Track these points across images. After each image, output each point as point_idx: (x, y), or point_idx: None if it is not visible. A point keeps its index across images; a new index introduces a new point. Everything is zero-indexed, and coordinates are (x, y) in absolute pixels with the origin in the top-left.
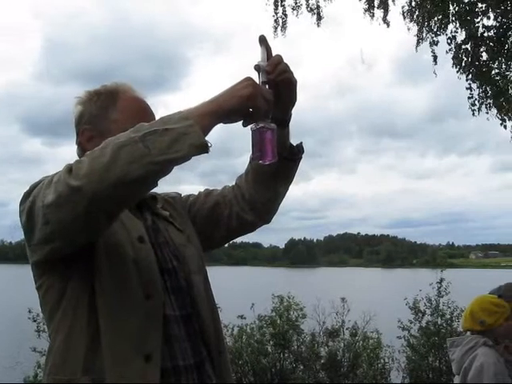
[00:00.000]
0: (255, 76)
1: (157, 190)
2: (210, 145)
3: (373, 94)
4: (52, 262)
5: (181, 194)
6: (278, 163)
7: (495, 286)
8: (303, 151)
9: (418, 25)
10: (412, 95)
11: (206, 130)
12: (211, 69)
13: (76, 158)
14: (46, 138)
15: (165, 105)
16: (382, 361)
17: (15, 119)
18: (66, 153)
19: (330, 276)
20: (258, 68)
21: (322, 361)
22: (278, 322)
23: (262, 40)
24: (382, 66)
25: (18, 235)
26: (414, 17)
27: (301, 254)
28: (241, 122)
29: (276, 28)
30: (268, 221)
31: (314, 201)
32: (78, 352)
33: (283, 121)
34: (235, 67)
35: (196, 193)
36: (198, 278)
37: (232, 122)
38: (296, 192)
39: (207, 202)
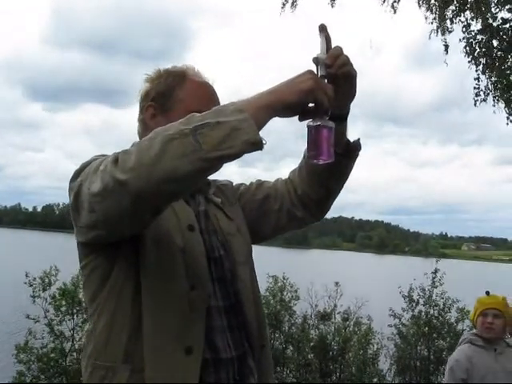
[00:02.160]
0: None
1: None
2: (264, 142)
3: (379, 80)
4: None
5: (232, 183)
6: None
7: (487, 279)
8: (360, 148)
9: (432, 12)
10: (418, 83)
11: (261, 125)
12: (215, 43)
13: (135, 132)
14: (47, 104)
15: None
16: (372, 346)
17: (19, 83)
18: (66, 119)
19: (322, 258)
20: (316, 61)
21: (312, 343)
22: (272, 302)
23: (322, 29)
24: (390, 53)
25: (15, 199)
26: (430, 5)
27: (294, 234)
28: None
29: (284, 5)
30: (318, 219)
31: None
32: (119, 339)
33: (341, 115)
34: (240, 42)
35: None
36: (244, 269)
37: (288, 117)
38: None
39: (258, 193)
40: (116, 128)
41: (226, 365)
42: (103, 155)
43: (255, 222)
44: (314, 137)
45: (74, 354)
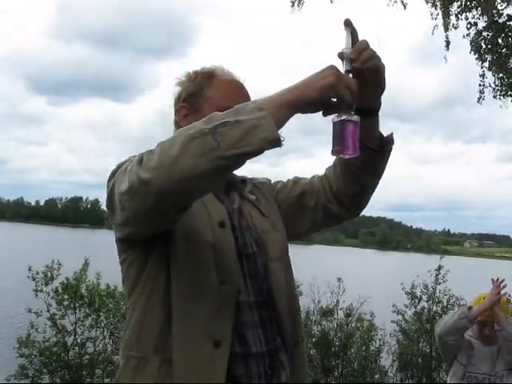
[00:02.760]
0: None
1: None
2: (282, 139)
3: None
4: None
5: (270, 180)
6: (366, 155)
7: (490, 276)
8: (393, 143)
9: (436, 8)
10: (422, 79)
11: (281, 122)
12: (218, 38)
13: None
14: (51, 98)
15: (173, 72)
16: (374, 343)
17: (22, 77)
18: (69, 113)
19: (324, 254)
20: (341, 56)
21: (315, 339)
22: None
23: (348, 24)
24: (395, 49)
25: (18, 193)
26: (435, 0)
27: None
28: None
29: (293, 3)
30: (355, 215)
31: None
32: (151, 330)
33: (372, 109)
34: (243, 38)
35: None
36: (278, 266)
37: (310, 113)
38: (297, 167)
39: (294, 190)
40: (119, 122)
41: (256, 358)
42: (134, 156)
43: (292, 218)
44: (338, 131)
45: (76, 348)
